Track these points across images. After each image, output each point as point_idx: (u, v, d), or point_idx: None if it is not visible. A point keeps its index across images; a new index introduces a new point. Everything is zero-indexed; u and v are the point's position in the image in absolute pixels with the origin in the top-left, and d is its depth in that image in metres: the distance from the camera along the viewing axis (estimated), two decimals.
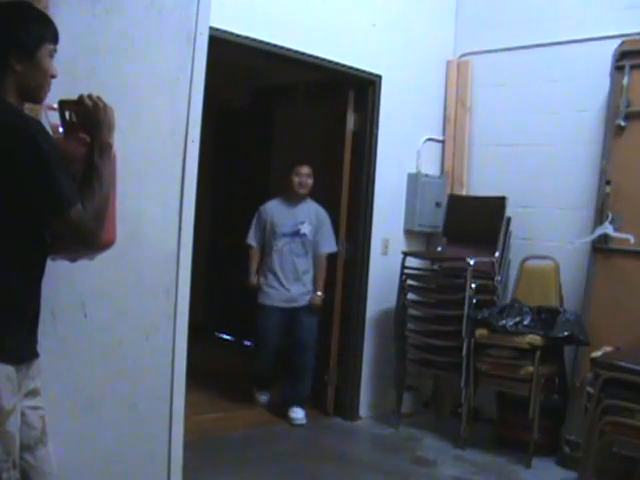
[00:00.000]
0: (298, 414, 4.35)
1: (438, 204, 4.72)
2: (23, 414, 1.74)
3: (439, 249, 4.70)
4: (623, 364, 3.19)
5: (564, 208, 4.36)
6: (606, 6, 4.21)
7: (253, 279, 4.44)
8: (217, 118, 5.78)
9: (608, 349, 3.47)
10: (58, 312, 2.08)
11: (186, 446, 2.67)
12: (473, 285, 4.05)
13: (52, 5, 1.97)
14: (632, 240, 3.86)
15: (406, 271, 4.38)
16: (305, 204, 4.42)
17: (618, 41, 4.02)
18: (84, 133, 1.80)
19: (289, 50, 3.85)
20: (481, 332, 3.96)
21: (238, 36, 3.55)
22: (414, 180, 4.65)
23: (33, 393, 1.80)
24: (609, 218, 3.95)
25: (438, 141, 4.90)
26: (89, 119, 1.78)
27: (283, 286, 4.35)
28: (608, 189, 3.98)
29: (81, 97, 1.80)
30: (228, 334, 6.40)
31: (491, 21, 4.75)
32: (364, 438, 4.24)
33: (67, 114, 1.85)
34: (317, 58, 4.02)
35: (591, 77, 4.22)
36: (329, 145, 4.75)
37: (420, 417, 4.56)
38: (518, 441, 3.89)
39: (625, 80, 3.95)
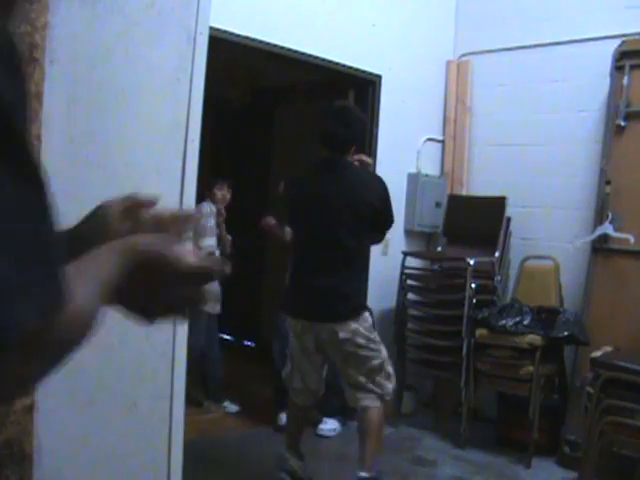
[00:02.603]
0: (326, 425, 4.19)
1: (438, 204, 4.72)
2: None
3: (439, 249, 4.71)
4: (623, 364, 3.20)
5: (564, 208, 4.36)
6: (606, 6, 4.21)
7: None
8: (217, 118, 5.77)
9: (608, 349, 3.48)
10: None
11: (186, 446, 2.67)
12: (473, 285, 4.05)
13: (52, 5, 1.97)
14: (632, 240, 3.85)
15: (406, 271, 4.38)
16: None
17: (618, 41, 4.03)
18: None
19: (289, 50, 3.84)
20: (481, 332, 3.96)
21: (238, 36, 3.55)
22: (414, 180, 4.65)
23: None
24: (609, 218, 3.95)
25: (438, 141, 4.90)
26: None
27: None
28: (608, 189, 3.99)
29: None
30: (228, 334, 6.40)
31: (491, 21, 4.76)
32: None
33: None
34: (317, 58, 4.02)
35: (591, 77, 4.22)
36: None
37: (420, 417, 4.55)
38: (518, 441, 3.89)
39: (625, 80, 3.95)
